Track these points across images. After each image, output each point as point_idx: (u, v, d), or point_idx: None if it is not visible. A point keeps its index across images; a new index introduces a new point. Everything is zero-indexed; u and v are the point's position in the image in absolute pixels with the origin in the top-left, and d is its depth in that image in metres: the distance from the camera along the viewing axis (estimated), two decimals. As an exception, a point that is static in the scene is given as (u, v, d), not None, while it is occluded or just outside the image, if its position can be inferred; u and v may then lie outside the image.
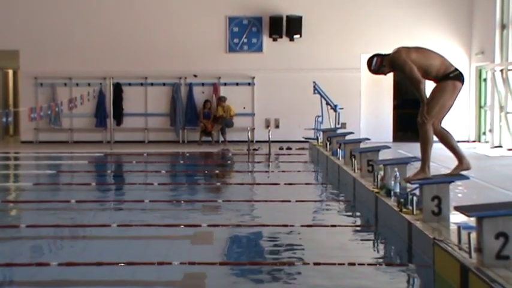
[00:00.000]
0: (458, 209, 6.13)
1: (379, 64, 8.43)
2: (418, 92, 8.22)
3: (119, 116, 20.82)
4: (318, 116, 18.76)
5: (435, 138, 8.35)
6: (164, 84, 21.08)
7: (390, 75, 20.27)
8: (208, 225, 8.69)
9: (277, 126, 20.94)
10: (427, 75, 8.23)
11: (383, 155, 11.24)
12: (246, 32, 21.02)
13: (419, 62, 8.19)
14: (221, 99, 20.71)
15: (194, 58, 20.92)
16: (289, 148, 19.15)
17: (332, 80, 20.16)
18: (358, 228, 9.09)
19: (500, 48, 18.83)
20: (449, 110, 8.31)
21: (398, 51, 8.33)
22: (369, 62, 8.51)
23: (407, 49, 8.34)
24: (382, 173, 9.55)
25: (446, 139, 8.33)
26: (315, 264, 6.76)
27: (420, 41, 20.41)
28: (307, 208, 10.16)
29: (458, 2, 20.81)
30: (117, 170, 15.96)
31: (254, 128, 20.81)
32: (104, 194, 12.09)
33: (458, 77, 8.22)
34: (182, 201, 10.84)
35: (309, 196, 11.10)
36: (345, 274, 6.54)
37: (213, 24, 20.99)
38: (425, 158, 8.29)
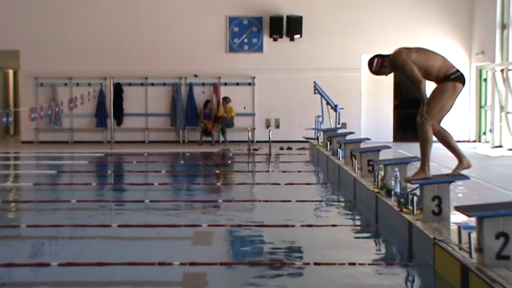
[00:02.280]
0: (459, 209, 6.13)
1: (379, 65, 8.43)
2: (418, 92, 8.22)
3: (119, 116, 20.82)
4: (319, 116, 18.77)
5: (434, 138, 8.35)
6: (164, 84, 21.09)
7: (391, 75, 20.32)
8: (209, 225, 8.69)
9: (277, 126, 20.94)
10: (428, 76, 8.24)
11: (383, 155, 11.24)
12: (246, 32, 21.03)
13: (420, 62, 8.20)
14: (226, 100, 20.72)
15: (194, 58, 20.92)
16: (289, 148, 19.16)
17: (332, 80, 20.16)
18: (359, 228, 9.10)
19: (500, 48, 18.83)
20: (449, 110, 8.31)
21: (399, 51, 8.33)
22: (370, 62, 8.50)
23: (408, 49, 8.35)
24: (382, 173, 9.56)
25: (445, 139, 8.33)
26: (316, 264, 6.77)
27: (420, 41, 20.47)
28: (308, 208, 10.16)
29: (459, 2, 20.80)
30: (118, 170, 15.96)
31: (254, 128, 20.81)
32: (105, 194, 12.09)
33: (459, 78, 8.22)
34: (182, 202, 10.84)
35: (309, 196, 11.09)
36: (346, 274, 6.54)
37: (214, 24, 21.00)
38: (425, 158, 8.29)
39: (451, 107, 8.29)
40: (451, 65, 8.30)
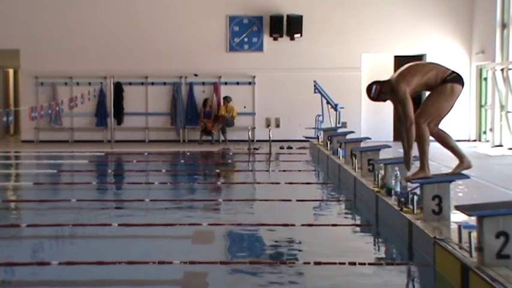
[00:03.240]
0: (459, 208, 6.13)
1: (378, 92, 8.38)
2: (407, 132, 8.19)
3: (119, 115, 20.82)
4: (319, 115, 18.77)
5: (431, 138, 8.34)
6: (165, 83, 21.09)
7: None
8: (209, 225, 8.70)
9: (277, 126, 20.94)
10: (429, 87, 8.23)
11: (383, 154, 11.25)
12: (246, 31, 21.02)
13: (419, 83, 8.17)
14: (227, 99, 20.72)
15: (195, 57, 20.92)
16: (289, 147, 19.16)
17: (333, 79, 20.16)
18: (359, 227, 9.10)
19: (500, 47, 18.82)
20: (447, 112, 8.28)
21: (398, 83, 8.20)
22: (368, 89, 8.45)
23: (404, 77, 8.19)
24: (382, 172, 9.56)
25: (444, 140, 8.33)
26: (316, 263, 6.77)
27: (420, 41, 20.53)
28: (308, 207, 10.17)
29: (459, 2, 20.79)
30: (118, 169, 15.97)
31: (255, 127, 20.80)
32: (105, 193, 12.10)
33: (456, 79, 8.18)
34: (183, 201, 10.84)
35: (309, 195, 11.10)
36: (346, 273, 6.54)
37: (214, 24, 20.99)
38: (423, 157, 8.28)
39: (449, 109, 8.27)
40: (445, 69, 8.30)
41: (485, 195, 9.79)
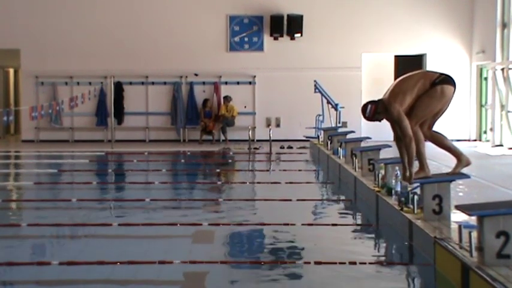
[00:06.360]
0: (459, 207, 6.13)
1: (373, 112, 8.33)
2: (407, 148, 8.17)
3: (119, 114, 20.82)
4: (319, 115, 18.77)
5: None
6: (165, 83, 21.09)
7: (391, 76, 20.30)
8: (209, 224, 8.70)
9: (278, 125, 20.95)
10: (421, 95, 8.18)
11: (384, 154, 11.24)
12: (247, 31, 21.02)
13: (411, 98, 8.12)
14: (227, 99, 20.73)
15: (195, 57, 20.92)
16: (290, 147, 19.16)
17: (333, 79, 20.15)
18: (359, 227, 9.10)
19: (501, 47, 18.82)
20: (440, 114, 8.27)
21: (391, 103, 8.14)
22: (363, 109, 8.40)
23: (396, 96, 8.12)
24: (383, 171, 9.56)
25: (439, 141, 8.32)
26: (316, 263, 6.77)
27: (421, 40, 20.52)
28: (308, 207, 10.17)
29: (459, 1, 20.79)
30: (118, 169, 15.97)
31: (255, 127, 20.80)
32: (105, 193, 12.11)
33: (445, 80, 8.15)
34: (183, 200, 10.85)
35: (309, 195, 11.10)
36: (346, 273, 6.54)
37: (214, 23, 20.99)
38: (421, 157, 8.28)
39: (442, 111, 8.25)
40: (432, 73, 8.30)
41: (485, 195, 9.78)
